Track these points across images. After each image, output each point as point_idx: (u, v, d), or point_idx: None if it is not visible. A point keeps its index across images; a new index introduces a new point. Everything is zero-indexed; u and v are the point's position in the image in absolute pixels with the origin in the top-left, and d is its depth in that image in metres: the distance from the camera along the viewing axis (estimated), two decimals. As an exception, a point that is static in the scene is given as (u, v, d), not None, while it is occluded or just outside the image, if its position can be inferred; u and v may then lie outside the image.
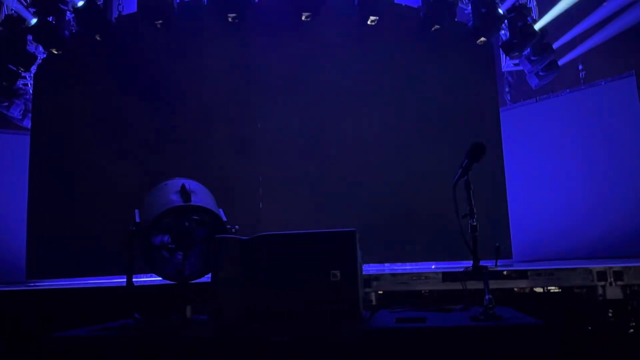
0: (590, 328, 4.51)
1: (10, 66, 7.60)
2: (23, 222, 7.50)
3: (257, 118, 7.55)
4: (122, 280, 3.80)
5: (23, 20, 7.62)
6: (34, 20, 7.36)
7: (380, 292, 4.94)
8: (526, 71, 8.37)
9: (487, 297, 3.01)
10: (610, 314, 4.54)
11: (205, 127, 7.48)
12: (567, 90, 8.37)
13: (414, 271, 4.99)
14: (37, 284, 7.06)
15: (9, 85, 7.82)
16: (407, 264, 7.39)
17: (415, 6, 7.87)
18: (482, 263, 3.18)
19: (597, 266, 4.41)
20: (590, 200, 7.80)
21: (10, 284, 6.66)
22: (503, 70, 9.15)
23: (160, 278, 3.74)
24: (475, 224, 3.09)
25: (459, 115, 7.54)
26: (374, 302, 4.76)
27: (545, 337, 2.74)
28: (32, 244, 7.41)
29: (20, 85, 8.32)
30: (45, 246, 7.36)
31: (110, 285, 5.30)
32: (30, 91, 8.38)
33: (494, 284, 3.14)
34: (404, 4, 7.92)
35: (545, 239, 7.94)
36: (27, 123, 8.33)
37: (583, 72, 8.65)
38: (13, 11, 7.89)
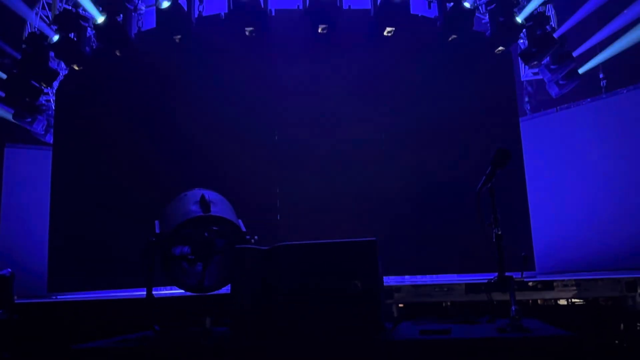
0: (619, 340, 4.37)
1: (33, 82, 7.77)
2: (45, 235, 7.59)
3: (274, 130, 7.56)
4: (142, 293, 3.79)
5: (45, 38, 7.80)
6: (55, 37, 7.52)
7: (401, 305, 4.85)
8: (546, 80, 8.28)
9: (513, 308, 2.92)
10: (639, 326, 4.39)
11: (224, 140, 7.50)
12: (588, 100, 8.24)
13: (435, 282, 4.89)
14: (58, 297, 7.11)
15: (32, 101, 7.99)
16: (427, 276, 7.27)
17: (432, 17, 7.85)
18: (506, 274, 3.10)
19: (626, 276, 4.28)
20: (613, 210, 7.62)
21: (32, 297, 6.71)
22: (522, 79, 9.06)
23: (180, 290, 3.72)
24: (500, 233, 3.01)
25: (479, 125, 7.46)
26: (395, 315, 4.68)
27: (575, 349, 2.64)
28: (54, 257, 7.49)
29: (43, 101, 8.48)
30: (66, 260, 7.44)
31: (130, 297, 5.30)
32: (53, 107, 8.53)
33: (516, 296, 3.05)
34: (420, 15, 7.90)
35: (568, 251, 7.77)
36: (50, 138, 8.47)
37: (604, 81, 8.50)
38: (36, 29, 8.07)
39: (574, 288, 4.38)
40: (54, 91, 8.48)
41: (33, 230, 7.94)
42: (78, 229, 7.48)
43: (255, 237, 3.65)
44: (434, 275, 7.14)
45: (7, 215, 8.04)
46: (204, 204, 3.49)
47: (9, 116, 8.08)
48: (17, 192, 8.23)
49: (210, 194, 3.64)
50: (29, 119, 8.20)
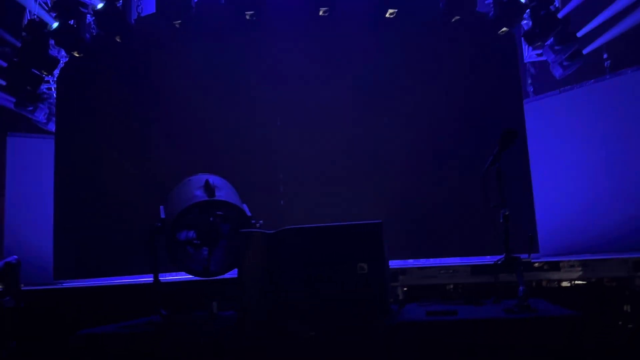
0: (623, 321, 4.37)
1: (34, 70, 7.72)
2: (50, 223, 7.61)
3: (276, 115, 7.53)
4: (148, 278, 3.80)
5: (45, 25, 7.73)
6: (55, 24, 7.46)
7: (405, 288, 4.86)
8: (550, 61, 8.18)
9: (521, 288, 2.92)
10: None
11: (226, 125, 7.49)
12: (592, 81, 8.13)
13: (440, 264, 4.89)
14: (65, 284, 7.16)
15: (33, 90, 7.94)
16: (431, 259, 7.28)
17: (435, -3, 7.74)
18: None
19: (633, 256, 4.27)
20: (617, 193, 7.56)
21: (38, 284, 6.75)
22: (525, 61, 8.94)
23: (186, 275, 3.73)
24: (507, 213, 2.99)
25: (482, 107, 7.40)
26: (400, 297, 4.69)
27: (582, 329, 2.64)
28: (59, 245, 7.52)
29: (44, 90, 8.44)
30: (72, 247, 7.48)
31: (137, 283, 5.33)
32: (54, 95, 8.50)
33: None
34: (422, -5, 7.80)
35: (571, 233, 7.73)
36: (52, 127, 8.45)
37: (608, 61, 8.39)
38: (35, 16, 8.00)
39: (580, 268, 4.37)
40: (55, 79, 8.44)
41: (38, 218, 7.95)
42: (82, 216, 7.51)
43: (260, 221, 3.64)
44: (438, 259, 7.15)
45: (11, 204, 8.05)
46: (209, 188, 3.48)
47: (10, 105, 8.05)
48: (20, 181, 8.21)
49: (214, 179, 3.63)
50: (31, 108, 8.16)
